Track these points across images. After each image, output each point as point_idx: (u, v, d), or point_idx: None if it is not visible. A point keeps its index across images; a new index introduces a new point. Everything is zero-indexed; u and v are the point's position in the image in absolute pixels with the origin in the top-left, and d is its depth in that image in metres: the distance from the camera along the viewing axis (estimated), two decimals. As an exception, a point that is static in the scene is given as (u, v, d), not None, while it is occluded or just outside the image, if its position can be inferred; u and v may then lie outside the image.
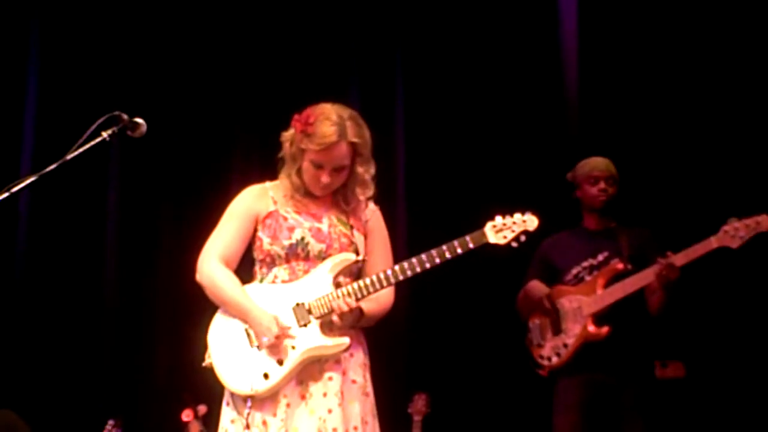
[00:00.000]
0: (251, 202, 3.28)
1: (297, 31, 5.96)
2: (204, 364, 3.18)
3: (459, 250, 3.12)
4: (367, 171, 3.23)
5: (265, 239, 3.21)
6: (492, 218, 3.17)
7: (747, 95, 5.19)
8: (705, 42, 5.27)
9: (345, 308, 3.08)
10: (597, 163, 4.50)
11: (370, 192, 3.27)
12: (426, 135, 5.77)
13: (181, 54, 6.07)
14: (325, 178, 3.17)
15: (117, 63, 6.07)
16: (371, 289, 3.14)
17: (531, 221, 3.17)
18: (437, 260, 3.12)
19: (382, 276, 3.13)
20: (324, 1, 6.02)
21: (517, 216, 3.17)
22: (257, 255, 3.26)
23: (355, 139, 3.15)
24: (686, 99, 5.30)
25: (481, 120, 5.68)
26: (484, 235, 3.14)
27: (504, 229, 3.15)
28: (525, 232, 3.16)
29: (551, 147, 5.47)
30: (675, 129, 5.29)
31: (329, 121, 3.13)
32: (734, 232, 4.07)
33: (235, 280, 3.20)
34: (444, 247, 3.12)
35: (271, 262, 3.21)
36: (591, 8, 5.56)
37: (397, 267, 3.14)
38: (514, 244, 3.16)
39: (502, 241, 3.14)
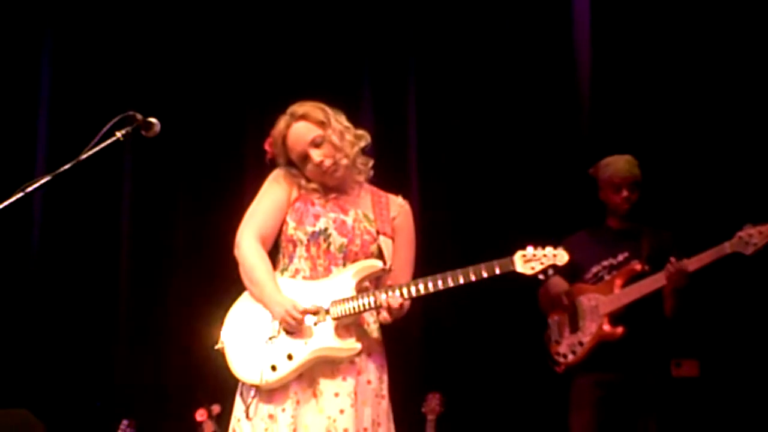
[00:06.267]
0: (290, 178, 3.31)
1: (311, 32, 5.97)
2: (216, 347, 3.18)
3: (484, 274, 3.14)
4: (334, 131, 3.25)
5: (290, 223, 3.24)
6: (522, 246, 3.16)
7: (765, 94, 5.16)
8: (720, 41, 5.24)
9: (395, 305, 3.12)
10: (618, 168, 4.44)
11: (359, 143, 3.28)
12: (439, 136, 5.77)
13: (196, 52, 6.09)
14: (316, 156, 3.22)
15: (129, 60, 6.09)
16: None
17: (561, 256, 3.16)
18: (461, 280, 3.14)
19: (404, 290, 3.15)
20: (339, 2, 6.02)
21: (549, 249, 3.16)
22: (281, 240, 3.27)
23: (299, 112, 3.25)
24: (700, 99, 5.27)
25: (494, 121, 5.67)
26: (512, 263, 3.15)
27: (533, 260, 3.15)
28: (553, 267, 3.16)
29: (563, 148, 5.46)
30: (688, 128, 5.27)
31: (278, 124, 3.27)
32: (748, 239, 4.06)
33: (267, 264, 3.21)
34: (470, 269, 3.14)
35: (293, 248, 3.23)
36: (604, 9, 5.55)
37: (420, 283, 3.16)
38: (541, 277, 3.17)
39: (530, 272, 3.14)
